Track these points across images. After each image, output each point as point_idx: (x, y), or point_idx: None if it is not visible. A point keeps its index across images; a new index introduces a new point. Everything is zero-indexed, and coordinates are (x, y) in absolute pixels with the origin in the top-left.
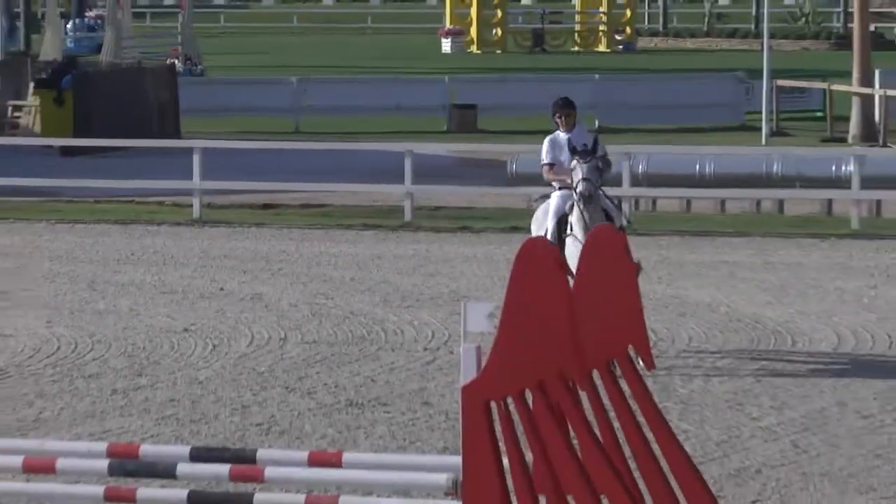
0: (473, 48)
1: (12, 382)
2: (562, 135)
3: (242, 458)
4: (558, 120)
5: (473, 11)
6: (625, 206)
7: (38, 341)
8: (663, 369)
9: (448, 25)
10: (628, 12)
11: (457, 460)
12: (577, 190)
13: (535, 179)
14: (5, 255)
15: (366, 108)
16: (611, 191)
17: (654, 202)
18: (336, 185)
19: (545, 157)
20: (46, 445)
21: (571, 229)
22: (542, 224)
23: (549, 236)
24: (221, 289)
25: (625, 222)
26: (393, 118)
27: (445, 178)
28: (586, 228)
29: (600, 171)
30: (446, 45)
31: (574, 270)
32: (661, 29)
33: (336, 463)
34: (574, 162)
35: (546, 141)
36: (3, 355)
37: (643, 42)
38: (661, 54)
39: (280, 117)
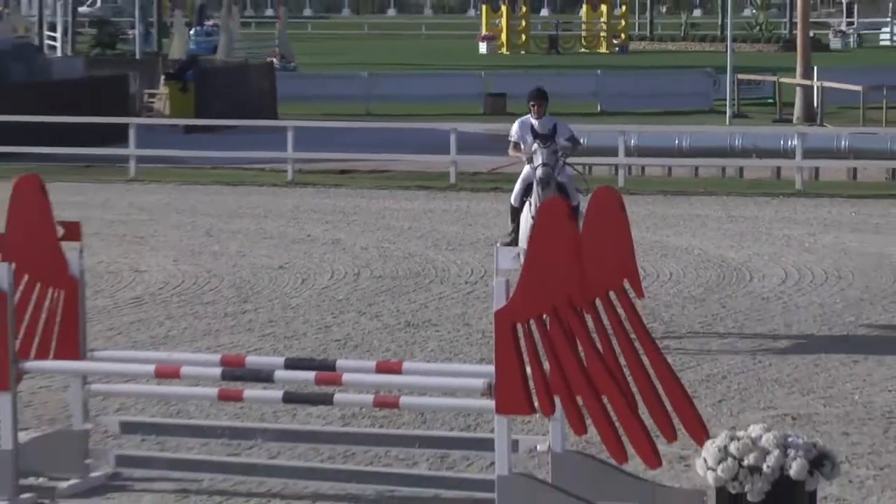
0: (503, 50)
1: (147, 308)
2: (532, 120)
3: (325, 367)
4: (532, 107)
5: (503, 21)
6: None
7: (166, 276)
8: (650, 298)
9: (484, 32)
10: (623, 22)
11: (491, 369)
12: (537, 174)
13: None
14: (142, 210)
15: (419, 95)
16: (608, 160)
17: (642, 169)
18: (397, 155)
19: (513, 136)
20: (173, 356)
21: (530, 203)
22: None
23: (513, 198)
24: (308, 235)
25: (581, 199)
26: (440, 104)
27: (481, 150)
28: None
29: (558, 155)
30: (482, 47)
31: (527, 234)
32: (648, 35)
33: (397, 370)
34: (535, 146)
35: (517, 122)
36: (139, 286)
37: (634, 45)
38: (648, 55)
39: (354, 103)
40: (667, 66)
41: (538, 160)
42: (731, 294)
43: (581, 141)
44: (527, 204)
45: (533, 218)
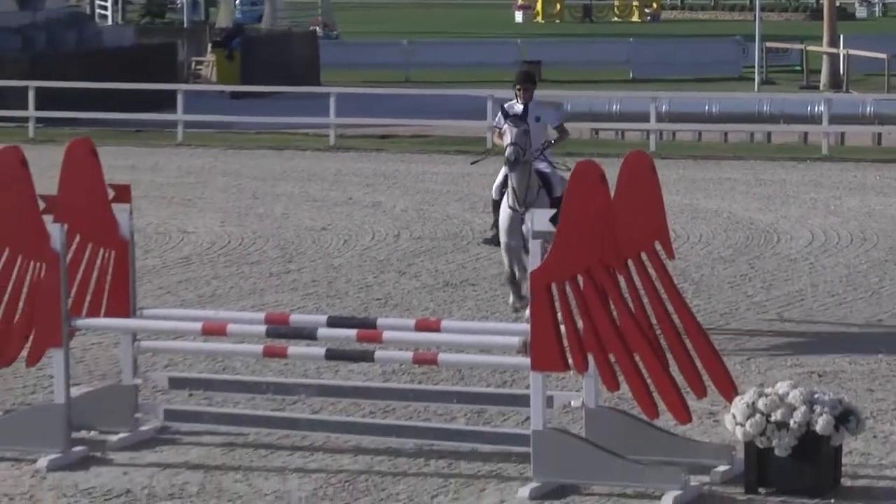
0: (539, 19)
1: (194, 267)
2: (517, 105)
3: (366, 325)
4: (518, 91)
5: None
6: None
7: (213, 236)
8: (681, 259)
9: (520, 1)
10: None
11: (526, 327)
12: (505, 154)
13: (585, 117)
14: (189, 173)
15: (457, 63)
16: (639, 126)
17: (673, 134)
18: (435, 120)
19: (496, 122)
20: (220, 314)
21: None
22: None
23: (493, 189)
24: (350, 198)
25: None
26: (477, 71)
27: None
28: (515, 195)
29: (529, 137)
30: (518, 17)
31: (505, 232)
32: (679, 4)
33: (436, 328)
34: (505, 126)
35: (501, 107)
36: (187, 247)
37: (666, 14)
38: (679, 23)
39: (394, 70)
40: (697, 35)
41: (506, 139)
42: (759, 255)
43: (569, 131)
44: (505, 195)
45: (511, 208)
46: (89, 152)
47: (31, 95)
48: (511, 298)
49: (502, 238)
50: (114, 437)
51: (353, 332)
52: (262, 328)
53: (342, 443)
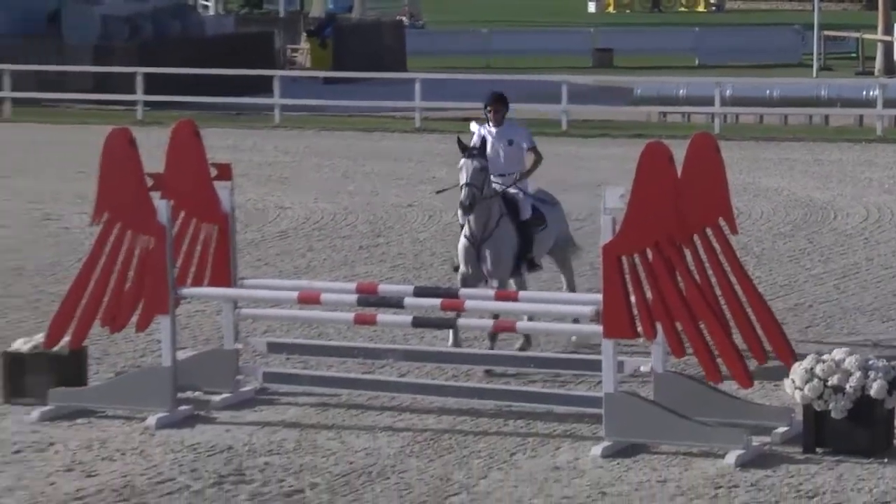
0: (610, 8)
1: (290, 241)
2: (489, 129)
3: (449, 295)
4: (488, 113)
5: None
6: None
7: (308, 212)
8: (743, 234)
9: None
10: None
11: (599, 297)
12: (459, 198)
13: (654, 101)
14: (286, 153)
15: (533, 50)
16: (705, 109)
17: (736, 117)
18: (513, 104)
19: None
20: (314, 284)
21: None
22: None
23: (459, 215)
24: (434, 177)
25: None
26: (552, 57)
27: (590, 99)
28: (470, 228)
29: (486, 173)
30: (591, 6)
31: (462, 262)
32: None
33: (514, 298)
34: (462, 160)
35: (474, 130)
36: (284, 221)
37: (730, 4)
38: (742, 13)
39: (475, 57)
40: (759, 24)
41: (462, 178)
42: (817, 230)
43: (542, 155)
44: (464, 223)
45: (467, 239)
46: (193, 133)
47: (139, 81)
48: (450, 339)
49: (459, 267)
50: (217, 398)
51: (437, 302)
52: (353, 297)
53: (427, 403)
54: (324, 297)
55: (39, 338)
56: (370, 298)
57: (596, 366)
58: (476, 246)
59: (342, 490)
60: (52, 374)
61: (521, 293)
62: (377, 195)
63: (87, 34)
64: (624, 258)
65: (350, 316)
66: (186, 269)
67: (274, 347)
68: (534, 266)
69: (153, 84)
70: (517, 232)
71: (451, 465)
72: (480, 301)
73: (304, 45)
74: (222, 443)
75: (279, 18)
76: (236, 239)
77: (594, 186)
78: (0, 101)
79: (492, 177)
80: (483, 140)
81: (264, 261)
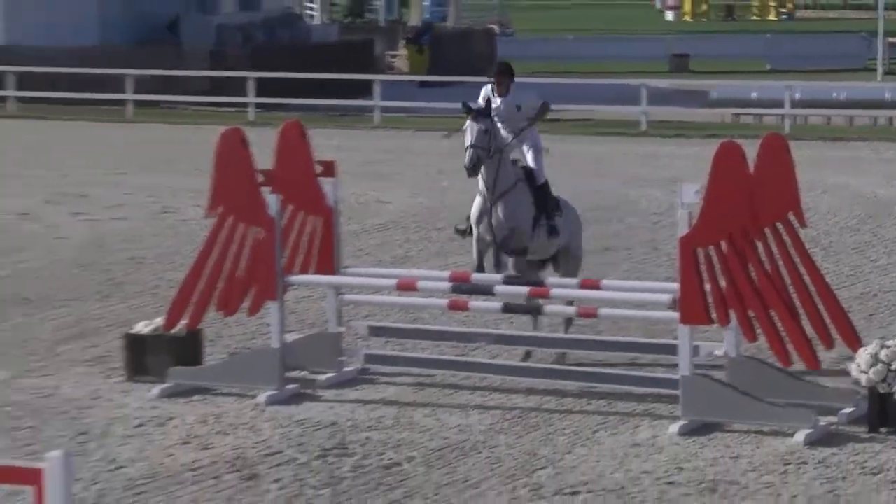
0: (687, 17)
1: (389, 232)
2: (494, 97)
3: (537, 283)
4: (493, 84)
5: None
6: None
7: (405, 206)
8: (811, 228)
9: (670, 2)
10: None
11: (675, 286)
12: (463, 161)
13: (728, 103)
14: (385, 151)
15: (615, 55)
16: (776, 111)
17: (805, 119)
18: (595, 106)
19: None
20: (411, 273)
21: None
22: None
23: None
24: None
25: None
26: (631, 63)
27: (668, 102)
28: (484, 184)
29: (491, 133)
30: (669, 15)
31: (475, 222)
32: (812, 3)
33: (597, 287)
34: (467, 122)
35: (483, 90)
36: (383, 214)
37: (800, 13)
38: (811, 21)
39: (561, 62)
40: (827, 31)
41: (466, 140)
42: (882, 224)
43: (549, 104)
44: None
45: (482, 196)
46: (300, 133)
47: (250, 84)
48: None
49: (473, 228)
50: (321, 377)
51: (525, 289)
52: (448, 285)
53: (516, 384)
54: (420, 284)
55: (159, 321)
56: (463, 286)
57: (673, 350)
58: (492, 204)
59: (437, 463)
60: (170, 354)
61: (602, 282)
62: (468, 192)
63: (204, 41)
64: (699, 250)
65: (444, 302)
66: (294, 259)
67: (374, 331)
68: (554, 232)
69: (263, 87)
70: (534, 197)
71: (537, 441)
72: (565, 290)
73: (403, 51)
74: (326, 419)
75: (379, 27)
76: (340, 230)
77: (671, 183)
78: (123, 103)
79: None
80: (488, 101)
81: (365, 251)
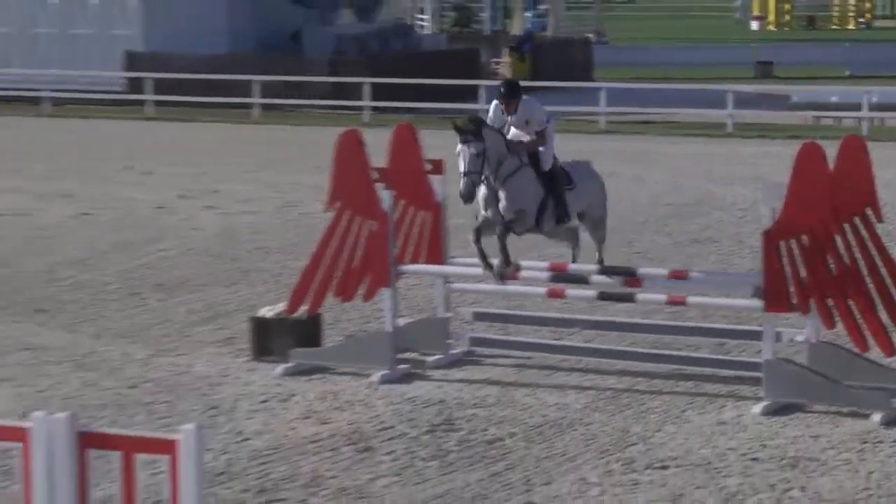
0: (771, 27)
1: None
2: (505, 116)
3: (629, 273)
4: (501, 106)
5: (772, 3)
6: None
7: None
8: (888, 222)
9: (755, 13)
10: (869, 3)
11: (759, 276)
12: (459, 188)
13: (809, 107)
14: None
15: (703, 62)
16: (854, 114)
17: (882, 121)
18: (683, 109)
19: (489, 121)
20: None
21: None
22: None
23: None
24: (614, 172)
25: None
26: (719, 68)
27: (752, 105)
28: (488, 181)
29: (483, 159)
30: (754, 25)
31: (482, 204)
32: (890, 14)
33: (685, 276)
34: (458, 147)
35: (492, 105)
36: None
37: (879, 23)
38: (889, 30)
39: (653, 69)
40: None
41: (460, 166)
42: None
43: (546, 138)
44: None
45: (485, 185)
46: (411, 134)
47: (366, 89)
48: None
49: (481, 211)
50: (430, 358)
51: (619, 279)
52: (547, 274)
53: (609, 366)
54: (521, 273)
55: (282, 306)
56: (561, 275)
57: (756, 336)
58: (495, 188)
59: (536, 439)
60: (292, 336)
61: (691, 273)
62: None
63: (324, 49)
64: (782, 243)
65: (543, 290)
66: (405, 249)
67: (479, 316)
68: (563, 219)
69: (378, 92)
70: (540, 182)
71: (630, 419)
72: (656, 279)
73: (506, 58)
74: (435, 397)
75: (485, 36)
76: (447, 224)
77: (755, 180)
78: (250, 106)
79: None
80: (480, 121)
81: (470, 243)
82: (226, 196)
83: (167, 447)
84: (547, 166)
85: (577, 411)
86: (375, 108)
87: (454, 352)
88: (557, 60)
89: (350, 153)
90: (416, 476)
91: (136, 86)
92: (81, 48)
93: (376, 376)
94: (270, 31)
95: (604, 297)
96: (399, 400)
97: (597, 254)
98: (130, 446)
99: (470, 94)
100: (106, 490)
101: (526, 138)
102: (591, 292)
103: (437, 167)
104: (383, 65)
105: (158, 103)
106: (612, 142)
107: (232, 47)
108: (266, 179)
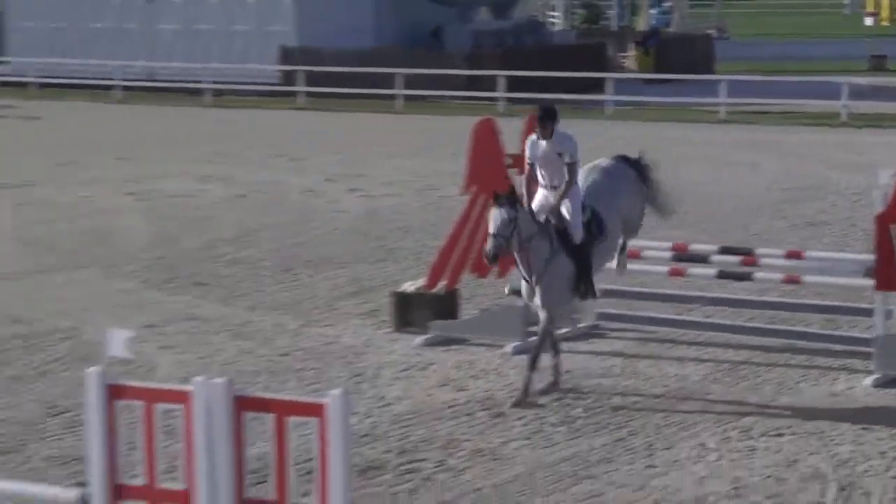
0: (884, 22)
1: None
2: (541, 142)
3: (747, 253)
4: (536, 129)
5: (886, 1)
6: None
7: None
8: None
9: (869, 9)
10: None
11: (871, 258)
12: (484, 247)
13: None
14: (616, 139)
15: (820, 56)
16: None
17: None
18: (800, 100)
19: (528, 158)
20: (637, 243)
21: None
22: None
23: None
24: (732, 160)
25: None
26: (835, 62)
27: (866, 97)
28: (525, 276)
29: (513, 226)
30: (868, 21)
31: (525, 298)
32: None
33: (800, 257)
34: (491, 210)
35: (528, 141)
36: None
37: None
38: None
39: (771, 62)
40: None
41: (490, 227)
42: None
43: (576, 173)
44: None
45: (524, 279)
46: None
47: (500, 81)
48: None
49: (526, 300)
50: (559, 332)
51: (737, 258)
52: (669, 254)
53: (727, 339)
54: (644, 253)
55: (421, 281)
56: (682, 255)
57: (867, 313)
58: (532, 285)
59: (658, 407)
60: (431, 309)
61: (807, 253)
62: (681, 176)
63: (462, 45)
64: (893, 226)
65: (666, 269)
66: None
67: (605, 293)
68: (587, 296)
69: (512, 84)
70: (573, 260)
71: (746, 390)
72: (772, 259)
73: (632, 53)
74: (563, 367)
75: (612, 32)
76: None
77: (868, 167)
78: (393, 97)
79: (545, 190)
80: (512, 191)
81: None
82: (370, 180)
83: (316, 410)
84: (578, 238)
85: (697, 382)
86: (510, 99)
87: (581, 325)
88: (681, 55)
89: (485, 141)
90: (545, 440)
91: (289, 78)
92: (240, 43)
93: (509, 347)
94: (412, 28)
95: (723, 275)
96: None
97: (618, 254)
98: (283, 409)
99: (597, 86)
100: (260, 449)
101: (553, 200)
102: (711, 271)
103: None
104: (517, 59)
105: (309, 94)
106: (731, 131)
107: (377, 43)
108: (407, 165)
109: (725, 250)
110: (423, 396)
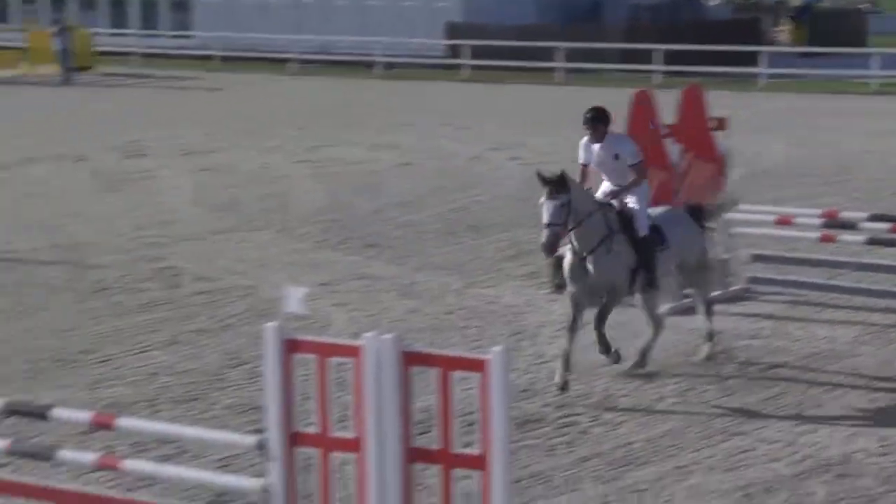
0: None
1: (769, 178)
2: (594, 145)
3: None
4: (586, 131)
5: None
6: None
7: (780, 156)
8: None
9: None
10: None
11: None
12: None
13: None
14: (768, 112)
15: None
16: None
17: None
18: None
19: (580, 159)
20: (788, 210)
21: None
22: None
23: None
24: (887, 129)
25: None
26: None
27: None
28: (575, 250)
29: (568, 211)
30: None
31: (568, 279)
32: None
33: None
34: (542, 199)
35: (581, 143)
36: (763, 162)
37: None
38: None
39: None
40: None
41: (543, 217)
42: None
43: (645, 173)
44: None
45: (573, 252)
46: (698, 95)
47: (656, 55)
48: (557, 373)
49: (568, 284)
50: (711, 294)
51: (886, 225)
52: (819, 221)
53: (876, 304)
54: (796, 220)
55: None
56: (833, 221)
57: None
58: (583, 260)
59: (807, 368)
60: None
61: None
62: (838, 144)
63: (620, 19)
64: None
65: (816, 234)
66: (691, 196)
67: (756, 258)
68: (651, 286)
69: (668, 57)
70: (633, 248)
71: (893, 352)
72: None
73: (785, 27)
74: (715, 328)
75: (766, 6)
76: (728, 174)
77: None
78: (553, 70)
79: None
80: (562, 175)
81: (747, 192)
82: (531, 149)
83: (479, 366)
84: (643, 231)
85: (846, 344)
86: (666, 72)
87: (733, 288)
88: (833, 29)
89: (641, 110)
90: (697, 398)
91: (454, 52)
92: (408, 19)
93: (663, 309)
94: (573, 4)
95: (872, 241)
96: (682, 331)
97: (701, 315)
98: (447, 364)
99: (751, 59)
100: (425, 402)
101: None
102: (860, 237)
103: (721, 124)
104: (673, 33)
105: (474, 67)
106: (883, 102)
107: (539, 18)
108: (566, 134)
109: (876, 217)
110: (579, 354)
